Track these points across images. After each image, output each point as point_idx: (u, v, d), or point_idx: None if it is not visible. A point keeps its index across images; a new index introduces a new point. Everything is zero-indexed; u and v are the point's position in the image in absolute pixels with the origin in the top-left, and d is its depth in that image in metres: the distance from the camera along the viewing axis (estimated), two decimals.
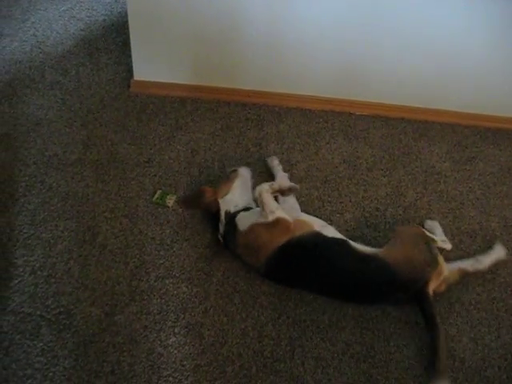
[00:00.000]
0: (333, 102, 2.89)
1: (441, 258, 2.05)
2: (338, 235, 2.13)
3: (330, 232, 2.12)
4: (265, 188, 2.09)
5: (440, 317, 2.09)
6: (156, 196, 2.35)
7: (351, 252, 2.04)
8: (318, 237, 2.08)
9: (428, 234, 2.17)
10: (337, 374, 1.91)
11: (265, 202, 2.06)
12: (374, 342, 2.01)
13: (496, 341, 2.08)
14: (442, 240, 2.22)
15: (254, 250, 2.06)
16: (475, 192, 2.61)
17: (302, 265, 2.02)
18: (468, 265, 2.22)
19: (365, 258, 2.02)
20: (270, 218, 2.03)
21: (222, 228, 2.18)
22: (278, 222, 2.04)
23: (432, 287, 2.02)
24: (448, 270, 2.10)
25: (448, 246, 2.23)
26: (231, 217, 2.15)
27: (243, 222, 2.11)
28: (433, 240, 2.14)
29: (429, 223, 2.37)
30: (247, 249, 2.10)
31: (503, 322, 2.14)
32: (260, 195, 2.07)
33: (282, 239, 2.02)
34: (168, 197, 2.35)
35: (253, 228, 2.07)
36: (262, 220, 2.06)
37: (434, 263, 2.02)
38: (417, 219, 2.44)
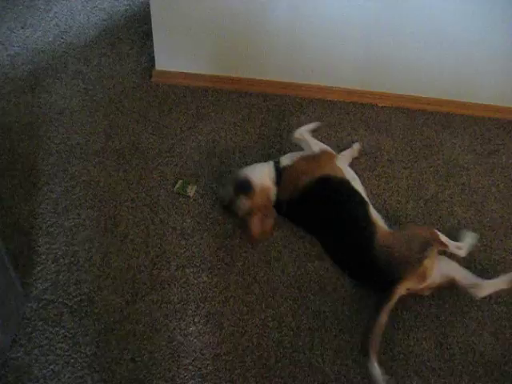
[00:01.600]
0: (355, 93, 2.87)
1: (429, 263, 1.98)
2: (363, 193, 2.23)
3: (358, 186, 2.24)
4: (303, 129, 2.34)
5: (460, 310, 2.09)
6: (177, 186, 2.36)
7: (364, 215, 2.11)
8: (347, 185, 2.20)
9: (441, 236, 2.09)
10: (355, 365, 1.91)
11: (307, 139, 2.28)
12: (394, 335, 2.01)
13: None
14: (456, 246, 2.15)
15: (295, 180, 2.17)
16: (498, 185, 2.59)
17: (322, 204, 2.14)
18: (465, 280, 2.07)
19: (369, 228, 2.06)
20: (316, 148, 2.23)
21: None
22: (323, 153, 2.24)
23: (405, 287, 1.96)
24: (438, 276, 2.04)
25: (461, 252, 2.15)
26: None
27: (286, 160, 2.27)
28: (444, 244, 2.09)
29: (466, 233, 2.27)
30: (289, 182, 2.20)
31: None
32: (301, 135, 2.31)
33: (324, 170, 2.16)
34: (189, 186, 2.36)
35: (298, 161, 2.23)
36: (307, 153, 2.23)
37: (416, 265, 1.96)
38: (438, 212, 2.42)
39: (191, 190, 2.35)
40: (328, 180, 2.16)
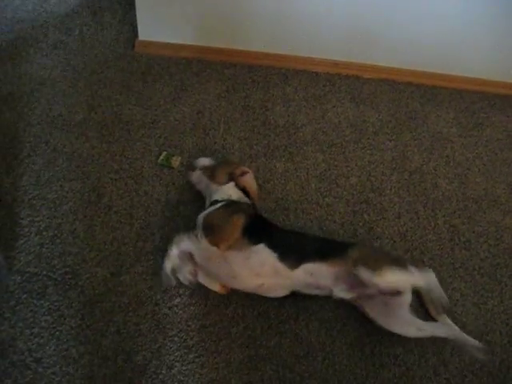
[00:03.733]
0: (340, 65, 2.85)
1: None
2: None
3: None
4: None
5: (444, 281, 2.11)
6: (161, 157, 2.33)
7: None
8: None
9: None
10: (341, 335, 1.93)
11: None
12: None
13: (498, 306, 2.09)
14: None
15: None
16: (482, 158, 2.60)
17: None
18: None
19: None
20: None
21: None
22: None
23: None
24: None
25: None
26: None
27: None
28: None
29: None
30: None
31: (506, 287, 2.15)
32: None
33: None
34: (173, 158, 2.34)
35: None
36: None
37: None
38: (422, 184, 2.44)
39: (175, 162, 2.33)
40: None
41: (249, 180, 2.13)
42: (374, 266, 1.77)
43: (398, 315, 1.86)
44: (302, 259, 1.85)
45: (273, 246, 1.86)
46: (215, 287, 1.97)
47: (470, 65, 2.88)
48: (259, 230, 1.93)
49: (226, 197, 2.04)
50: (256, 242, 1.86)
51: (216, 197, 2.04)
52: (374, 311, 1.90)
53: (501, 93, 2.95)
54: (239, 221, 1.90)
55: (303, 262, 1.84)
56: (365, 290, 1.81)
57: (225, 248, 1.85)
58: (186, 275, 1.92)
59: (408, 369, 1.88)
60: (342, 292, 1.87)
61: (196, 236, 1.90)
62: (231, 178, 2.10)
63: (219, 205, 1.98)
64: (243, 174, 2.12)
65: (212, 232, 1.88)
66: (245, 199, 2.08)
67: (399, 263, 1.84)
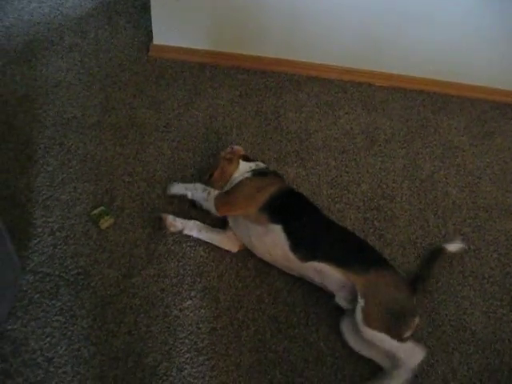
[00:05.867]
0: (353, 72, 2.87)
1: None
2: None
3: None
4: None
5: (453, 289, 2.12)
6: (95, 211, 2.14)
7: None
8: None
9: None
10: None
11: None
12: None
13: (508, 315, 2.09)
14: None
15: None
16: (493, 167, 2.61)
17: None
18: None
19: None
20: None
21: None
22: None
23: None
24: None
25: None
26: None
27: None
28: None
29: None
30: None
31: None
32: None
33: None
34: (105, 218, 2.13)
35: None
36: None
37: None
38: (433, 192, 2.44)
39: (105, 222, 2.12)
40: None
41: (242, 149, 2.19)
42: (371, 322, 1.74)
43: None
44: (314, 256, 1.86)
45: (288, 233, 1.88)
46: (225, 245, 2.07)
47: (481, 74, 2.89)
48: (284, 208, 1.94)
49: (249, 169, 2.11)
50: (275, 221, 1.90)
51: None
52: None
53: None
54: (260, 198, 1.96)
55: (314, 259, 1.86)
56: None
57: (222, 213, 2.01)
58: (191, 227, 2.07)
59: (417, 376, 1.88)
60: (342, 301, 1.88)
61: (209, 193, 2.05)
62: (230, 159, 2.14)
63: (250, 174, 2.06)
64: (232, 149, 2.17)
65: (226, 195, 2.01)
66: (262, 165, 2.15)
67: (397, 330, 1.75)
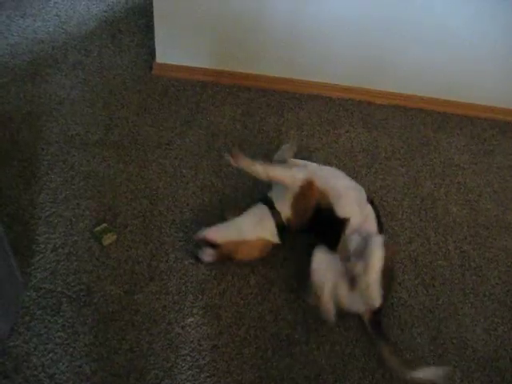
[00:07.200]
0: (353, 90, 2.89)
1: None
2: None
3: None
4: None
5: (454, 307, 2.12)
6: (98, 228, 2.15)
7: None
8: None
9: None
10: (352, 359, 1.94)
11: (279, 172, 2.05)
12: (389, 329, 2.03)
13: (509, 332, 2.10)
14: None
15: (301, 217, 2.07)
16: (493, 185, 2.62)
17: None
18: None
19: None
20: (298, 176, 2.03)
21: None
22: (305, 185, 2.03)
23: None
24: None
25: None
26: None
27: (281, 206, 2.08)
28: None
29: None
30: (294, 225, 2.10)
31: None
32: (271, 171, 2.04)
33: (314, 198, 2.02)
34: (109, 235, 2.13)
35: (293, 204, 2.06)
36: (293, 190, 2.04)
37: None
38: (434, 210, 2.46)
39: (108, 239, 2.13)
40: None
41: None
42: None
43: None
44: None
45: None
46: None
47: (481, 92, 2.91)
48: None
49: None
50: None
51: None
52: None
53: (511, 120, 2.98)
54: None
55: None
56: None
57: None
58: (206, 255, 2.05)
59: None
60: None
61: None
62: None
63: None
64: None
65: None
66: None
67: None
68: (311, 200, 2.01)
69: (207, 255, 2.05)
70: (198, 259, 2.08)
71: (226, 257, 2.06)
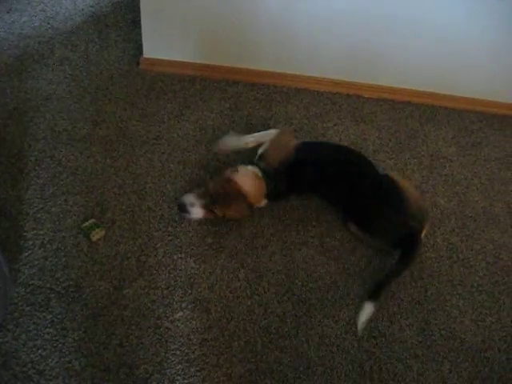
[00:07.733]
0: (341, 84, 2.90)
1: None
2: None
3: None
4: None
5: (442, 298, 2.14)
6: (86, 223, 2.15)
7: None
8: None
9: None
10: (340, 351, 1.95)
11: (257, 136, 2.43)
12: (378, 322, 2.04)
13: (496, 323, 2.12)
14: None
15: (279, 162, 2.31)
16: (480, 177, 2.64)
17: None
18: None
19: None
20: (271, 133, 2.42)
21: None
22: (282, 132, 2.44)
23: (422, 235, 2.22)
24: None
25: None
26: None
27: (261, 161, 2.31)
28: None
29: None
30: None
31: (504, 305, 2.18)
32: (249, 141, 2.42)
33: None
34: (96, 230, 2.13)
35: (269, 151, 2.34)
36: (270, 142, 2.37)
37: (427, 215, 2.27)
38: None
39: (96, 234, 2.13)
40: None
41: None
42: None
43: None
44: None
45: None
46: None
47: (468, 85, 2.92)
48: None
49: None
50: None
51: None
52: None
53: (499, 113, 3.00)
54: None
55: None
56: None
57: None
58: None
59: None
60: None
61: None
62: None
63: None
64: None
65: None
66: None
67: None
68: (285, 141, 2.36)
69: (195, 213, 2.15)
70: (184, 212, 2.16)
71: (215, 214, 2.15)
